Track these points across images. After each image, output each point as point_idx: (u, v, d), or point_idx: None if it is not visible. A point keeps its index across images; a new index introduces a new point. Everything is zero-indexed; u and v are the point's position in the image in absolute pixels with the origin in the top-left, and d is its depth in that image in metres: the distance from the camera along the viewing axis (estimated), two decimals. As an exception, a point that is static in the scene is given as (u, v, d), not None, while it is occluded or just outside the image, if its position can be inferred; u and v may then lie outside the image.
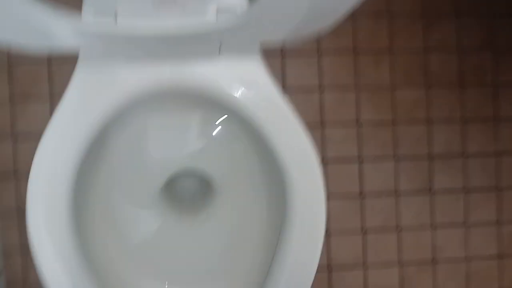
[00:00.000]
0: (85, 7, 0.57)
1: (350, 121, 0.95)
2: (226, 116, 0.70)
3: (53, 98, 0.90)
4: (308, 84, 0.94)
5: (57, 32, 0.52)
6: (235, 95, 0.60)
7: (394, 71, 0.95)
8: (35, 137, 0.85)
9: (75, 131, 0.58)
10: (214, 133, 0.72)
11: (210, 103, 0.63)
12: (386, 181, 0.95)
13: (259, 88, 0.60)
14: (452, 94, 0.96)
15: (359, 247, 0.95)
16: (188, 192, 0.76)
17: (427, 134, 0.96)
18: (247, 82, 0.60)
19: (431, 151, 0.96)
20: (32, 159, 0.86)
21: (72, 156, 0.58)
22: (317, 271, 0.93)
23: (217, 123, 0.71)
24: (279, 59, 0.93)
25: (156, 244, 0.73)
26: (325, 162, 0.94)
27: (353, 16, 0.94)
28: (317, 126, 0.94)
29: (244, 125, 0.67)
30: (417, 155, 0.95)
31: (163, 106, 0.69)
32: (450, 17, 0.95)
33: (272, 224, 0.68)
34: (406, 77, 0.95)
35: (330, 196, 0.94)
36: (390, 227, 0.96)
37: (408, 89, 0.95)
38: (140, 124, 0.70)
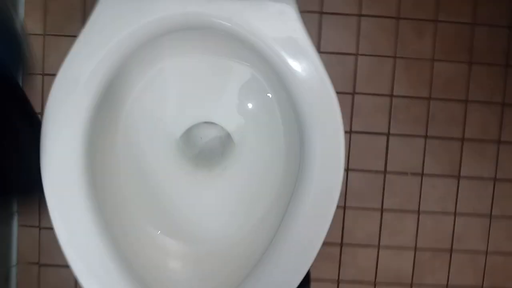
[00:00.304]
0: None
1: (383, 91, 0.89)
2: (249, 65, 0.66)
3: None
4: (344, 47, 0.89)
5: None
6: (264, 38, 0.55)
7: (436, 43, 0.89)
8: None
9: (98, 60, 0.54)
10: (236, 83, 0.69)
11: (235, 44, 0.58)
12: (412, 159, 0.90)
13: (290, 34, 0.56)
14: (495, 75, 0.89)
15: (375, 225, 0.91)
16: (206, 143, 0.73)
17: (463, 114, 0.90)
18: (277, 24, 0.56)
19: (465, 133, 0.90)
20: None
21: (89, 94, 0.55)
22: (328, 244, 0.91)
23: (240, 71, 0.67)
24: (316, 16, 0.88)
25: (170, 192, 0.71)
26: (351, 131, 0.89)
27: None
28: (348, 93, 0.89)
29: (268, 74, 0.64)
30: (449, 136, 0.90)
31: (186, 46, 0.65)
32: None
33: (288, 181, 0.65)
34: (449, 51, 0.89)
35: (351, 167, 0.90)
36: (410, 209, 0.91)
37: (448, 64, 0.89)
38: (161, 67, 0.67)
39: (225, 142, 0.72)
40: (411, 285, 0.92)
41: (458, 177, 0.91)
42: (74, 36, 0.85)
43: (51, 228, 0.88)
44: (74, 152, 0.54)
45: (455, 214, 0.91)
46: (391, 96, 0.89)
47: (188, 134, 0.71)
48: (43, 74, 0.87)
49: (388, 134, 0.90)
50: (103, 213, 0.57)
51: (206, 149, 0.73)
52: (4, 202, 0.58)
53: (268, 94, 0.67)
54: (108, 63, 0.55)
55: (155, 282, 0.61)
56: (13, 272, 0.90)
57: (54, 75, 0.86)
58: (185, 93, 0.69)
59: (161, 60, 0.67)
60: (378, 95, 0.89)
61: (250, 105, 0.69)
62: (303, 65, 0.55)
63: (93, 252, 0.54)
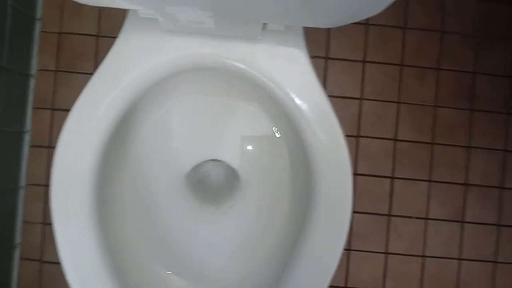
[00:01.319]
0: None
1: (387, 135, 0.91)
2: (258, 105, 0.68)
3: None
4: (349, 90, 0.91)
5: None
6: (273, 78, 0.57)
7: (438, 90, 0.91)
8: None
9: (113, 96, 0.56)
10: (244, 122, 0.70)
11: (246, 85, 0.60)
12: (417, 203, 0.91)
13: (301, 78, 0.58)
14: (496, 122, 0.91)
15: (380, 269, 0.91)
16: (213, 180, 0.74)
17: (465, 160, 0.91)
18: (288, 67, 0.57)
19: (468, 178, 0.91)
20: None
21: (102, 127, 0.56)
22: (333, 287, 0.90)
23: (249, 111, 0.69)
24: (322, 61, 0.90)
25: (176, 229, 0.71)
26: (356, 174, 0.90)
27: (403, 29, 0.91)
28: (353, 136, 0.90)
29: (278, 115, 0.65)
30: (453, 181, 0.91)
31: (197, 85, 0.67)
32: (504, 40, 0.91)
33: (294, 221, 0.65)
34: (451, 98, 0.91)
35: (356, 210, 0.90)
36: (415, 253, 0.91)
37: (451, 110, 0.91)
38: (171, 104, 0.69)
39: (232, 180, 0.73)
40: (416, 332, 0.90)
41: (462, 222, 0.91)
42: (85, 73, 0.89)
43: (53, 263, 0.88)
44: (84, 183, 0.55)
45: (459, 259, 0.91)
46: (395, 140, 0.91)
47: (195, 171, 0.72)
48: (53, 109, 0.89)
49: (392, 178, 0.90)
50: (109, 246, 0.57)
51: (213, 187, 0.74)
52: None
53: (277, 135, 0.68)
54: (122, 99, 0.57)
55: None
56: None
57: (63, 110, 0.88)
58: (194, 131, 0.70)
59: (171, 98, 0.69)
60: (382, 138, 0.91)
61: (257, 145, 0.70)
62: (313, 108, 0.56)
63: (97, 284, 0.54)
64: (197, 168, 0.72)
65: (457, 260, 0.91)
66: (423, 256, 0.91)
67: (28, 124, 0.89)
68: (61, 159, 0.55)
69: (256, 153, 0.71)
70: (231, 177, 0.73)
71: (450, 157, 0.91)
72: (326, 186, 0.57)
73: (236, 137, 0.71)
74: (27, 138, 0.89)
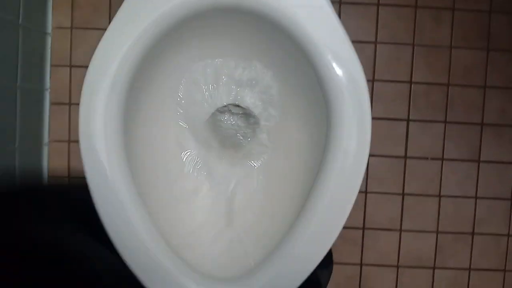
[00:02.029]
0: None
1: (402, 78, 0.91)
2: (277, 47, 0.68)
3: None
4: (363, 34, 0.91)
5: None
6: (294, 15, 0.57)
7: (454, 30, 0.91)
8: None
9: (134, 36, 0.57)
10: (263, 66, 0.71)
11: (266, 26, 0.61)
12: (432, 144, 0.92)
13: (319, 12, 0.58)
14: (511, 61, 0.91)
15: (397, 209, 0.93)
16: (232, 125, 0.75)
17: (481, 100, 0.91)
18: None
19: (484, 118, 0.92)
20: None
21: (126, 68, 0.57)
22: (350, 229, 0.93)
23: (268, 56, 0.69)
24: (336, 6, 0.90)
25: (192, 172, 0.73)
26: (372, 118, 0.90)
27: (418, -31, 0.90)
28: (368, 80, 0.90)
29: (297, 56, 0.65)
30: (468, 121, 0.92)
31: (216, 28, 0.67)
32: (521, -23, 0.90)
33: (312, 166, 0.66)
34: (466, 38, 0.91)
35: (372, 153, 0.91)
36: (431, 193, 0.93)
37: (466, 51, 0.91)
38: (191, 51, 0.69)
39: (252, 125, 0.74)
40: (434, 268, 0.93)
41: (478, 161, 0.92)
42: (101, 29, 0.89)
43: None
44: (112, 123, 0.56)
45: (476, 197, 0.93)
46: (410, 82, 0.91)
47: (215, 117, 0.74)
48: (71, 66, 0.90)
49: (408, 120, 0.91)
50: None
51: (232, 132, 0.75)
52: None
53: (294, 78, 0.69)
54: (142, 43, 0.57)
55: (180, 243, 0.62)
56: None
57: (81, 67, 0.90)
58: (213, 77, 0.71)
59: (188, 47, 0.69)
60: (397, 81, 0.91)
61: (275, 89, 0.71)
62: (335, 46, 0.57)
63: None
64: (217, 113, 0.73)
65: (473, 199, 0.93)
66: (439, 196, 0.93)
67: (48, 82, 0.90)
68: (88, 98, 0.56)
69: (274, 97, 0.72)
70: (251, 122, 0.75)
71: (466, 97, 0.91)
72: (344, 124, 0.58)
73: (255, 83, 0.72)
74: (47, 96, 0.90)
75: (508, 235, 0.93)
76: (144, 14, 0.57)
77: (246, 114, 0.73)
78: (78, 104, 0.89)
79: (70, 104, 0.91)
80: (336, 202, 0.58)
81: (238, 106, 0.72)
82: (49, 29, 0.89)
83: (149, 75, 0.65)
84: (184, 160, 0.72)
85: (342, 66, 0.58)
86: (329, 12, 0.57)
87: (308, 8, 0.57)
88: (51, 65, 0.90)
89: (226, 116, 0.75)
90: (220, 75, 0.71)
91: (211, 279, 0.60)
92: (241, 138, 0.75)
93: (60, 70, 0.90)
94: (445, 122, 0.92)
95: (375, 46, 0.91)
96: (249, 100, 0.71)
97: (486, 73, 0.91)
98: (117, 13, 0.58)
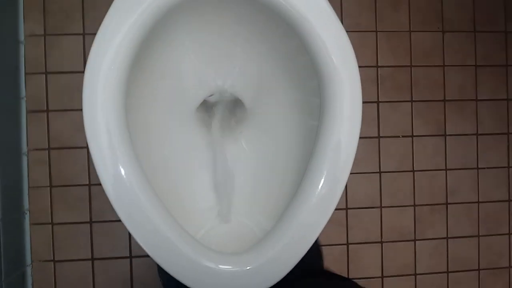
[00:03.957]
0: None
1: (369, 63, 0.97)
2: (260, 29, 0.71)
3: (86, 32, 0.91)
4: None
5: None
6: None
7: (411, 15, 0.98)
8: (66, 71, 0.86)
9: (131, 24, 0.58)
10: (247, 48, 0.73)
11: (254, 10, 0.64)
12: (402, 123, 0.98)
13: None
14: (466, 41, 0.99)
15: (376, 187, 0.97)
16: (221, 112, 0.77)
17: (442, 78, 0.98)
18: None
19: (446, 94, 0.98)
20: (62, 91, 0.88)
21: (126, 49, 0.58)
22: (335, 210, 0.96)
23: (251, 38, 0.72)
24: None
25: (185, 158, 0.74)
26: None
27: (373, -39, 0.97)
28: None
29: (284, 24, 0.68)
30: (432, 98, 0.98)
31: (203, 20, 0.70)
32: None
33: (304, 139, 0.69)
34: (423, 22, 0.98)
35: (349, 135, 0.96)
36: (405, 169, 0.98)
37: (425, 34, 0.98)
38: (183, 37, 0.71)
39: (239, 109, 0.77)
40: (415, 240, 0.98)
41: (445, 135, 0.99)
42: (74, 34, 0.90)
43: (64, 223, 0.90)
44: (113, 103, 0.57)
45: (446, 169, 0.99)
46: (377, 67, 0.97)
47: (204, 105, 0.76)
48: (46, 73, 0.90)
49: (378, 102, 0.97)
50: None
51: (222, 117, 0.77)
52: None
53: (279, 56, 0.72)
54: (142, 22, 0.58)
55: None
56: (28, 271, 0.90)
57: (56, 73, 0.90)
58: (200, 63, 0.74)
59: (178, 33, 0.70)
60: (365, 66, 0.97)
61: (260, 71, 0.74)
62: (328, 26, 0.60)
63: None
64: (205, 101, 0.75)
65: (443, 171, 0.99)
66: (413, 171, 0.98)
67: (23, 90, 0.89)
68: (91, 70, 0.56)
69: (259, 80, 0.75)
70: (238, 106, 0.77)
71: (428, 77, 0.98)
72: (338, 98, 0.61)
73: (240, 67, 0.75)
74: (24, 104, 0.89)
75: (478, 202, 1.00)
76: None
77: (235, 98, 0.76)
78: (55, 110, 0.90)
79: (47, 111, 0.90)
80: (333, 174, 0.61)
81: (226, 92, 0.74)
82: (22, 37, 0.89)
83: (144, 62, 0.66)
84: (178, 144, 0.74)
85: (338, 51, 0.61)
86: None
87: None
88: (26, 73, 0.89)
89: (216, 100, 0.78)
90: (209, 60, 0.73)
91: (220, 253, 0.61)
92: (232, 121, 0.77)
93: (35, 77, 0.90)
94: (411, 101, 0.98)
95: (341, 35, 0.96)
96: (238, 84, 0.74)
97: (444, 53, 0.98)
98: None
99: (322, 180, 0.60)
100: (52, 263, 0.91)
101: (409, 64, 0.98)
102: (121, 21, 0.58)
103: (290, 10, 0.60)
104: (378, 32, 0.97)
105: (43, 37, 0.90)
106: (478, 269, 1.00)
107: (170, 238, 0.57)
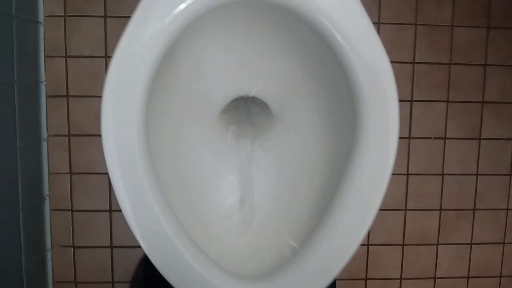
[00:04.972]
0: None
1: (405, 58, 0.91)
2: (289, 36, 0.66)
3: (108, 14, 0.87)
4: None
5: None
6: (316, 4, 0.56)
7: (455, 9, 0.91)
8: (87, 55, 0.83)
9: (154, 36, 0.54)
10: (275, 58, 0.69)
11: (286, 15, 0.59)
12: (435, 124, 0.93)
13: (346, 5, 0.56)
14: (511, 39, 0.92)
15: (402, 189, 0.94)
16: (246, 117, 0.74)
17: (482, 78, 0.93)
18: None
19: (484, 95, 0.93)
20: (83, 76, 0.85)
21: (149, 63, 0.54)
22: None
23: (280, 45, 0.68)
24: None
25: (208, 166, 0.72)
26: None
27: None
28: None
29: (318, 39, 0.64)
30: (470, 100, 0.93)
31: (232, 20, 0.65)
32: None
33: (333, 155, 0.66)
34: (467, 17, 0.91)
35: (378, 135, 0.92)
36: (434, 172, 0.94)
37: (467, 30, 0.91)
38: (206, 42, 0.67)
39: (265, 114, 0.73)
40: (437, 244, 0.96)
41: (479, 139, 0.94)
42: (96, 16, 0.85)
43: (84, 211, 0.89)
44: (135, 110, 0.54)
45: (477, 174, 0.95)
46: (413, 63, 0.91)
47: (229, 109, 0.72)
48: (66, 56, 0.86)
49: (411, 101, 0.92)
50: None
51: (246, 122, 0.74)
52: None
53: (311, 66, 0.67)
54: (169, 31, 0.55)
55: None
56: (49, 256, 0.91)
57: (77, 57, 0.86)
58: (226, 68, 0.70)
59: (206, 36, 0.66)
60: (401, 62, 0.91)
61: (289, 78, 0.70)
62: (356, 32, 0.56)
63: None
64: (230, 105, 0.72)
65: (474, 176, 0.95)
66: (442, 175, 0.94)
67: (43, 74, 0.86)
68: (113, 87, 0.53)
69: (288, 87, 0.71)
70: (264, 111, 0.73)
71: (467, 76, 0.92)
72: (371, 116, 0.57)
73: (267, 72, 0.70)
74: (43, 89, 0.87)
75: (507, 209, 0.96)
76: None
77: (262, 105, 0.72)
78: (76, 96, 0.87)
79: (67, 96, 0.87)
80: (362, 203, 0.58)
81: (253, 97, 0.70)
82: (41, 18, 0.85)
83: (167, 65, 0.62)
84: (201, 152, 0.71)
85: (372, 70, 0.57)
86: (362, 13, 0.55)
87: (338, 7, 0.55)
88: (45, 56, 0.86)
89: (241, 106, 0.74)
90: (236, 64, 0.69)
91: (240, 278, 0.59)
92: (257, 127, 0.74)
93: (55, 60, 0.86)
94: (447, 101, 0.93)
95: (378, 27, 0.90)
96: (265, 89, 0.70)
97: (486, 51, 0.92)
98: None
99: (352, 210, 0.58)
100: (71, 248, 0.91)
101: (448, 62, 0.92)
102: (149, 25, 0.54)
103: (329, 29, 0.55)
104: (417, 26, 0.91)
105: (63, 18, 0.86)
106: (500, 276, 0.98)
107: (183, 256, 0.56)
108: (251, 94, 0.71)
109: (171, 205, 0.57)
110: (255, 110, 0.74)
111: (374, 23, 0.85)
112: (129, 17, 0.85)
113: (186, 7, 0.54)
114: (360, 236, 0.58)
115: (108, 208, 0.90)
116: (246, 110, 0.75)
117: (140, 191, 0.55)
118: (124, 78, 0.54)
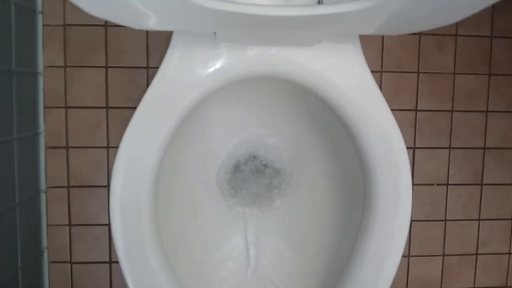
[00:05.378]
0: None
1: (408, 106, 0.91)
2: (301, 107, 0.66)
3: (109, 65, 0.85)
4: (369, 65, 0.89)
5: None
6: (330, 84, 0.55)
7: (457, 56, 0.91)
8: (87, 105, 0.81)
9: (167, 114, 0.53)
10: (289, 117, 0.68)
11: (299, 90, 0.58)
12: (437, 170, 0.93)
13: (356, 78, 0.56)
14: (512, 85, 0.93)
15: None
16: (253, 179, 0.73)
17: (484, 124, 0.93)
18: (344, 71, 0.56)
19: (486, 141, 0.93)
20: (83, 127, 0.83)
21: (159, 142, 0.53)
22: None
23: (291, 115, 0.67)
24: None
25: (212, 229, 0.71)
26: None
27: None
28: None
29: (323, 114, 0.63)
30: (471, 145, 0.93)
31: (246, 92, 0.64)
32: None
33: (345, 223, 0.65)
34: (469, 64, 0.91)
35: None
36: (437, 218, 0.94)
37: (469, 77, 0.92)
38: (210, 115, 0.66)
39: (275, 180, 0.72)
40: (441, 289, 0.96)
41: (481, 185, 0.94)
42: (97, 67, 0.84)
43: (82, 262, 0.87)
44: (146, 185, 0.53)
45: (479, 219, 0.95)
46: (416, 110, 0.91)
47: (236, 173, 0.71)
48: (66, 107, 0.84)
49: (414, 148, 0.92)
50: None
51: (254, 188, 0.73)
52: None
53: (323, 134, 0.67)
54: (182, 108, 0.54)
55: None
56: (47, 309, 0.88)
57: (76, 107, 0.84)
58: (232, 129, 0.69)
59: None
60: (403, 110, 0.91)
61: (300, 143, 0.69)
62: (371, 111, 0.55)
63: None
64: (236, 170, 0.71)
65: (476, 221, 0.95)
66: (445, 220, 0.94)
67: (42, 125, 0.84)
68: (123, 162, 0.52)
69: (299, 152, 0.70)
70: (272, 175, 0.72)
71: (469, 123, 0.93)
72: (383, 191, 0.57)
73: (276, 135, 0.70)
74: (42, 140, 0.85)
75: (509, 253, 0.96)
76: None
77: (269, 167, 0.71)
78: (75, 147, 0.85)
79: (67, 147, 0.85)
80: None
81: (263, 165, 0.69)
82: (41, 68, 0.83)
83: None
84: (207, 215, 0.70)
85: (378, 128, 0.56)
86: (371, 83, 0.55)
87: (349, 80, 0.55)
88: (45, 107, 0.84)
89: (247, 171, 0.73)
90: (241, 126, 0.68)
91: None
92: (264, 191, 0.73)
93: (54, 111, 0.84)
94: (449, 148, 0.93)
95: (381, 75, 0.90)
96: (272, 153, 0.69)
97: (488, 98, 0.92)
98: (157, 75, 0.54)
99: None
100: (71, 301, 0.89)
101: (450, 109, 0.92)
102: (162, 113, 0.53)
103: (343, 106, 0.55)
104: (419, 74, 0.91)
105: (63, 69, 0.84)
106: (502, 320, 0.98)
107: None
108: (258, 157, 0.70)
109: (173, 266, 0.56)
110: (263, 173, 0.73)
111: (377, 71, 0.85)
112: (130, 67, 0.85)
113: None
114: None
115: (108, 260, 0.88)
116: (254, 174, 0.73)
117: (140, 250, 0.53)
118: (144, 132, 0.53)
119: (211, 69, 0.53)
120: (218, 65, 0.53)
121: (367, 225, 0.57)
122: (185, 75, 0.53)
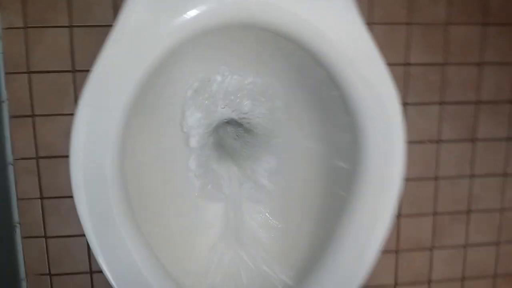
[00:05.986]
0: None
1: (398, 60, 0.86)
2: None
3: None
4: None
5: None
6: (317, 31, 0.50)
7: (451, 5, 0.85)
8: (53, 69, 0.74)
9: (129, 68, 0.47)
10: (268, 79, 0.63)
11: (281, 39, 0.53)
12: (429, 126, 0.89)
13: (347, 26, 0.50)
14: (509, 35, 0.87)
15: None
16: (232, 142, 0.68)
17: (478, 77, 0.88)
18: (334, 21, 0.50)
19: (480, 95, 0.89)
20: (49, 94, 0.76)
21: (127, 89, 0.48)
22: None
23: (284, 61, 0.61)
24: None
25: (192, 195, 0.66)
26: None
27: None
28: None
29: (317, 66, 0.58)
30: (464, 100, 0.89)
31: (221, 45, 0.58)
32: None
33: (332, 182, 0.61)
34: (463, 13, 0.86)
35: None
36: (428, 176, 0.91)
37: (463, 27, 0.86)
38: (187, 72, 0.60)
39: (252, 141, 0.68)
40: (431, 248, 0.94)
41: (474, 140, 0.91)
42: (60, 27, 0.76)
43: (57, 236, 0.83)
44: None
45: (470, 176, 0.92)
46: (407, 64, 0.86)
47: (218, 133, 0.66)
48: (29, 72, 0.77)
49: (405, 104, 0.87)
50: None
51: (237, 147, 0.68)
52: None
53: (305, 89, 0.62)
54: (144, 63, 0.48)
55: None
56: (24, 285, 0.84)
57: (41, 72, 0.77)
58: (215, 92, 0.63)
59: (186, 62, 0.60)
60: (393, 64, 0.85)
61: (282, 99, 0.64)
62: (364, 64, 0.50)
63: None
64: (221, 129, 0.66)
65: (468, 178, 0.92)
66: (436, 178, 0.91)
67: (4, 93, 0.77)
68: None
69: (277, 110, 0.65)
70: (252, 138, 0.67)
71: (463, 76, 0.88)
72: (375, 152, 0.53)
73: (256, 93, 0.64)
74: (5, 109, 0.78)
75: (502, 208, 0.94)
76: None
77: (252, 130, 0.66)
78: (42, 115, 0.79)
79: (33, 115, 0.79)
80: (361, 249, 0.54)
81: (241, 124, 0.64)
82: (-1, 31, 0.75)
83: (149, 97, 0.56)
84: (189, 179, 0.65)
85: (372, 88, 0.51)
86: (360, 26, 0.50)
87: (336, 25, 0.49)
88: (5, 73, 0.77)
89: (231, 132, 0.68)
90: (224, 90, 0.62)
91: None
92: (247, 153, 0.68)
93: (16, 77, 0.78)
94: (441, 103, 0.88)
95: (370, 28, 0.84)
96: (256, 116, 0.64)
97: (482, 49, 0.88)
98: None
99: (351, 250, 0.53)
100: (48, 277, 0.85)
101: (442, 62, 0.87)
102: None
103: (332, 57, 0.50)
104: (410, 25, 0.85)
105: (23, 30, 0.76)
106: (494, 276, 0.97)
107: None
108: (236, 118, 0.64)
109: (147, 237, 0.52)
110: (243, 136, 0.68)
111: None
112: (97, 26, 0.77)
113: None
114: (359, 277, 0.55)
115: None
116: (233, 136, 0.68)
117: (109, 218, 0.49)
118: (103, 94, 0.47)
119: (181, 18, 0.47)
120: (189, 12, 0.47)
121: (358, 185, 0.53)
122: (150, 26, 0.47)
